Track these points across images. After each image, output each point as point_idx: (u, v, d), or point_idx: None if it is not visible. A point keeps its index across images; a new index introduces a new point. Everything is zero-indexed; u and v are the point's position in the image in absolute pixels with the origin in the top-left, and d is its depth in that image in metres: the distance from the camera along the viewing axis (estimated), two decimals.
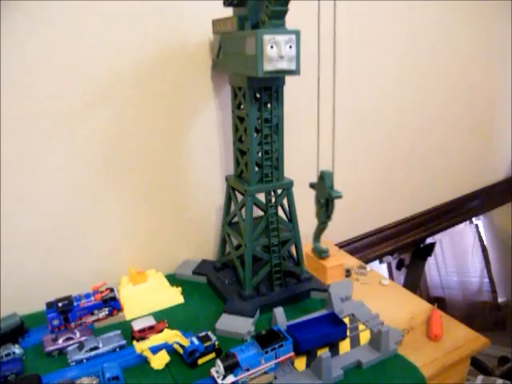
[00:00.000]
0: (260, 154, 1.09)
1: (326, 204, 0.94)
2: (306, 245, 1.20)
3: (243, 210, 1.12)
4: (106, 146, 1.15)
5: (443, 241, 2.84)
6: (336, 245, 1.56)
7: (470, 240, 2.85)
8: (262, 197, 1.12)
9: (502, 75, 2.16)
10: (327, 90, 1.01)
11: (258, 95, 1.04)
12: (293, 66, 0.91)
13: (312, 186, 1.00)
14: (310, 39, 0.97)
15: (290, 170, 1.15)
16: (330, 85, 1.00)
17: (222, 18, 1.07)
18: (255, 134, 1.07)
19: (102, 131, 1.13)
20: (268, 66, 0.89)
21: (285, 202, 1.15)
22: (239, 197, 1.16)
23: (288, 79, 0.95)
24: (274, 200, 1.14)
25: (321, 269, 1.10)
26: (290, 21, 0.93)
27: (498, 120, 2.26)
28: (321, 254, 1.01)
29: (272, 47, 0.88)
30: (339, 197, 0.92)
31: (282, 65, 0.90)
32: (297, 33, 0.90)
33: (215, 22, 1.13)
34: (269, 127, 1.06)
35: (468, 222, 2.67)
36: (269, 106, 1.06)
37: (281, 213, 1.16)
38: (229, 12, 1.06)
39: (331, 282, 1.15)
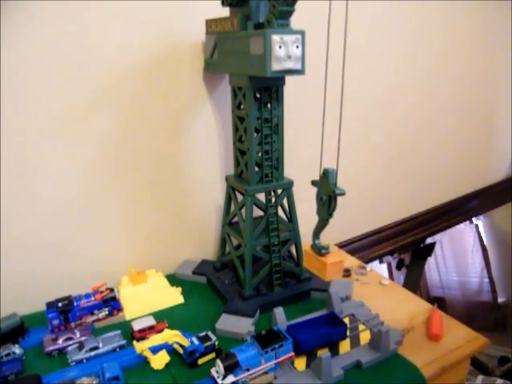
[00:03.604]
0: (260, 154, 1.09)
1: (328, 201, 0.96)
2: (305, 243, 1.19)
3: (243, 210, 1.12)
4: (106, 147, 1.15)
5: (443, 241, 2.84)
6: (336, 245, 1.56)
7: (470, 240, 2.86)
8: (262, 197, 1.12)
9: (502, 76, 2.16)
10: (331, 91, 1.01)
11: (258, 95, 1.04)
12: (299, 66, 0.92)
13: (314, 183, 1.01)
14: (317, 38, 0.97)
15: (291, 170, 1.16)
16: (335, 86, 1.00)
17: (218, 18, 1.07)
18: (255, 134, 1.07)
19: (102, 132, 1.13)
20: (276, 66, 0.89)
21: (285, 201, 1.15)
22: (239, 197, 1.16)
23: (293, 78, 0.96)
24: (274, 200, 1.14)
25: (320, 266, 1.10)
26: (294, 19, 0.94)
27: (498, 120, 2.26)
28: (320, 250, 1.01)
29: (280, 47, 0.88)
30: (342, 194, 0.94)
31: (289, 64, 0.90)
32: (302, 33, 0.91)
33: (209, 22, 1.13)
34: (269, 127, 1.07)
35: (468, 222, 2.67)
36: (269, 105, 1.06)
37: (281, 213, 1.16)
38: (224, 12, 1.06)
39: (330, 278, 1.15)
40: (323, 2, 0.97)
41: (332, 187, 0.94)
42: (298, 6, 0.89)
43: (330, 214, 0.99)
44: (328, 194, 0.96)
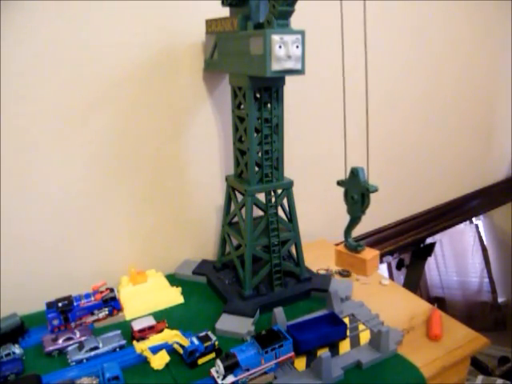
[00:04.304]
0: (260, 154, 1.09)
1: (361, 199, 0.98)
2: (324, 242, 1.16)
3: (243, 210, 1.12)
4: (106, 147, 1.15)
5: (443, 241, 2.84)
6: (336, 245, 1.56)
7: (470, 240, 2.86)
8: (262, 197, 1.12)
9: (502, 75, 2.16)
10: (332, 92, 1.01)
11: (258, 95, 1.04)
12: (299, 66, 0.92)
13: (340, 183, 1.01)
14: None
15: (291, 170, 1.16)
16: (336, 86, 1.00)
17: (218, 18, 1.07)
18: (255, 134, 1.07)
19: (102, 132, 1.13)
20: (276, 66, 0.90)
21: (285, 201, 1.15)
22: (239, 197, 1.16)
23: (293, 78, 0.96)
24: (274, 200, 1.14)
25: (358, 263, 1.09)
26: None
27: (498, 120, 2.26)
28: (357, 248, 1.02)
29: (280, 47, 0.88)
30: (376, 190, 0.95)
31: (289, 64, 0.91)
32: (302, 33, 0.91)
33: (209, 22, 1.13)
34: (269, 127, 1.06)
35: (468, 222, 2.67)
36: (269, 105, 1.06)
37: (281, 213, 1.16)
38: (224, 12, 1.06)
39: (371, 274, 1.15)
40: (324, 2, 0.97)
41: (365, 185, 0.96)
42: (298, 5, 0.89)
43: (363, 211, 1.00)
44: (361, 192, 0.98)
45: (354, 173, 0.97)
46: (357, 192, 0.98)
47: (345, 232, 1.06)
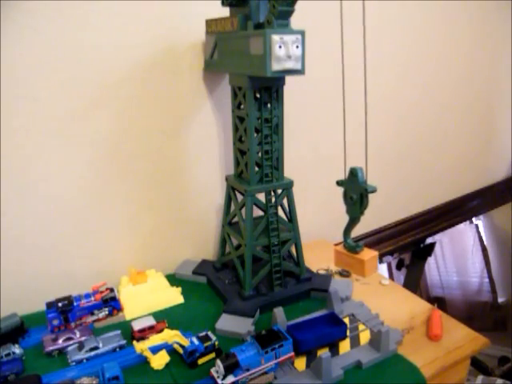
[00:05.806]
0: (260, 154, 1.09)
1: (360, 199, 0.98)
2: (324, 242, 1.17)
3: (243, 210, 1.12)
4: (106, 147, 1.15)
5: (443, 241, 2.84)
6: (336, 245, 1.56)
7: (470, 240, 2.86)
8: (262, 197, 1.12)
9: (502, 75, 2.16)
10: (332, 91, 1.01)
11: (258, 95, 1.04)
12: (299, 66, 0.92)
13: (340, 183, 1.01)
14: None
15: (291, 170, 1.16)
16: (337, 86, 1.00)
17: (218, 18, 1.07)
18: (255, 134, 1.07)
19: (103, 131, 1.13)
20: (276, 66, 0.90)
21: (285, 201, 1.15)
22: (239, 197, 1.16)
23: (293, 77, 0.96)
24: (273, 200, 1.14)
25: (357, 263, 1.10)
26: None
27: (497, 120, 2.26)
28: (355, 248, 1.02)
29: (280, 47, 0.88)
30: (375, 191, 0.95)
31: (289, 64, 0.91)
32: (302, 33, 0.91)
33: (209, 22, 1.13)
34: (269, 127, 1.07)
35: (468, 222, 2.67)
36: (269, 105, 1.06)
37: (281, 213, 1.16)
38: (224, 12, 1.06)
39: (369, 274, 1.15)
40: (324, 2, 0.97)
41: (364, 185, 0.96)
42: (298, 5, 0.89)
43: (362, 212, 1.00)
44: (359, 193, 0.97)
45: (353, 173, 0.97)
46: (355, 192, 0.98)
47: (344, 232, 1.06)
